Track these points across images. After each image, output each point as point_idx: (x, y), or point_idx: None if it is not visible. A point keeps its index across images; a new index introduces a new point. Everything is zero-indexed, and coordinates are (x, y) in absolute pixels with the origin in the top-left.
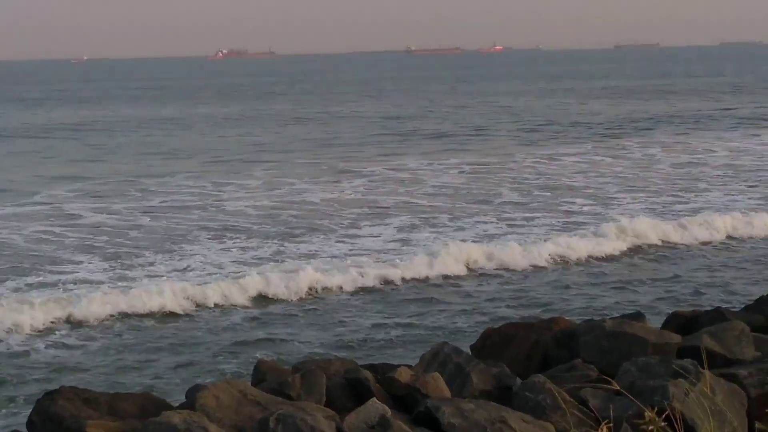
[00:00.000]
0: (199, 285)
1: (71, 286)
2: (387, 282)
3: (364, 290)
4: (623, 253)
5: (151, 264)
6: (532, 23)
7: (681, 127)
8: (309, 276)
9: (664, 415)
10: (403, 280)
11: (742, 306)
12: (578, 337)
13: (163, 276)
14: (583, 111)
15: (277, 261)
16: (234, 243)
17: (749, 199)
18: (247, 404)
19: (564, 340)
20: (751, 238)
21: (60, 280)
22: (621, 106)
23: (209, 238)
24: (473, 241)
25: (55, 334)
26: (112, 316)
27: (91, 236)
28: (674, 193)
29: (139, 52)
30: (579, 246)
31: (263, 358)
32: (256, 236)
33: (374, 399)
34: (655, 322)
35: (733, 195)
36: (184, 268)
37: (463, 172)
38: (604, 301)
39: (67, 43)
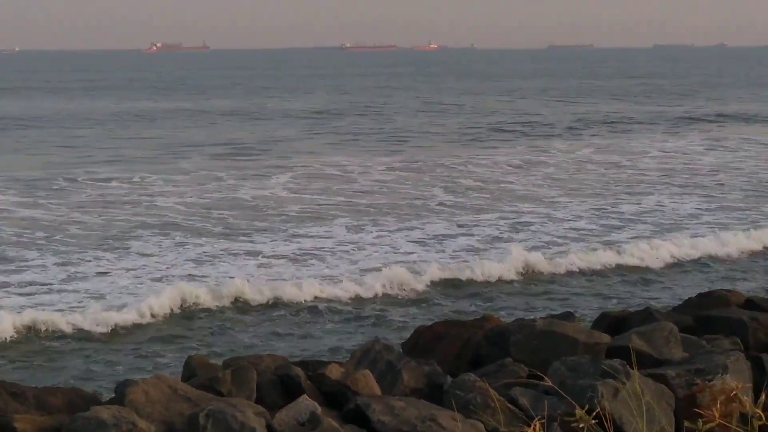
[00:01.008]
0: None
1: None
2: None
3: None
4: None
5: (106, 262)
6: (467, 22)
7: (615, 128)
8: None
9: (593, 414)
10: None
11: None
12: (509, 336)
13: (123, 275)
14: (516, 110)
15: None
16: (184, 240)
17: (686, 203)
18: (177, 400)
19: (495, 338)
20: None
21: (14, 281)
22: (554, 106)
23: (153, 235)
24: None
25: None
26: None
27: (28, 231)
28: (616, 196)
29: (73, 44)
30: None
31: (194, 354)
32: (204, 234)
33: (305, 396)
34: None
35: (674, 198)
36: (140, 268)
37: (394, 170)
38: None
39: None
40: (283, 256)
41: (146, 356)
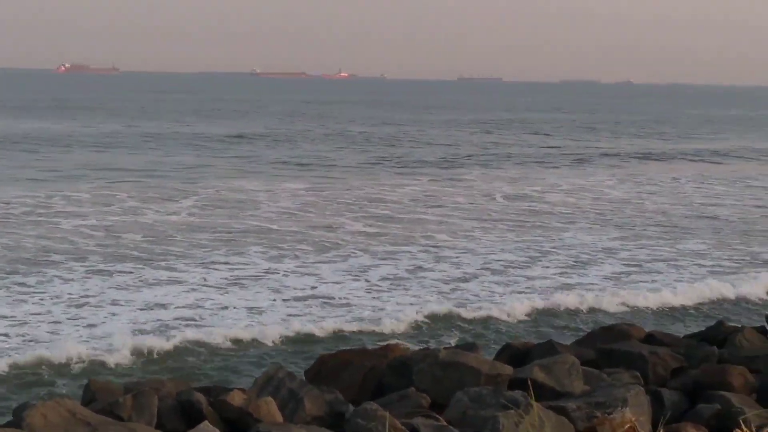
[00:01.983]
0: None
1: None
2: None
3: None
4: None
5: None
6: (376, 52)
7: (524, 161)
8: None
9: None
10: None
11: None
12: (412, 365)
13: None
14: (422, 140)
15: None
16: (103, 267)
17: (603, 236)
18: (76, 424)
19: (399, 367)
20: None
21: None
22: (461, 137)
23: (65, 261)
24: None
25: None
26: None
27: None
28: (533, 230)
29: None
30: None
31: (94, 378)
32: (115, 259)
33: (206, 422)
34: None
35: (589, 231)
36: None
37: (299, 197)
38: None
39: None
40: (212, 286)
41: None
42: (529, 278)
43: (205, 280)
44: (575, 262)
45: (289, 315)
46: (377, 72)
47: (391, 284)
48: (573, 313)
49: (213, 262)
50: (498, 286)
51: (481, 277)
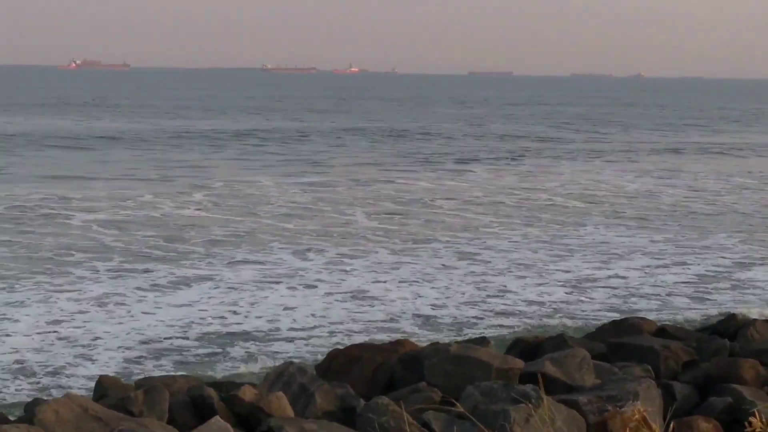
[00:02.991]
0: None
1: None
2: None
3: None
4: None
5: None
6: (388, 46)
7: (540, 155)
8: None
9: None
10: None
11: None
12: (423, 360)
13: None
14: (435, 134)
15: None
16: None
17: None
18: (88, 420)
19: (409, 362)
20: None
21: None
22: (473, 131)
23: (90, 260)
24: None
25: None
26: None
27: None
28: (555, 224)
29: None
30: None
31: (105, 374)
32: (147, 259)
33: (217, 417)
34: None
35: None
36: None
37: (311, 192)
38: None
39: None
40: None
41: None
42: (550, 272)
43: (236, 277)
44: (603, 255)
45: (325, 310)
46: (388, 67)
47: (416, 280)
48: (595, 306)
49: (239, 260)
50: (519, 281)
51: (506, 272)
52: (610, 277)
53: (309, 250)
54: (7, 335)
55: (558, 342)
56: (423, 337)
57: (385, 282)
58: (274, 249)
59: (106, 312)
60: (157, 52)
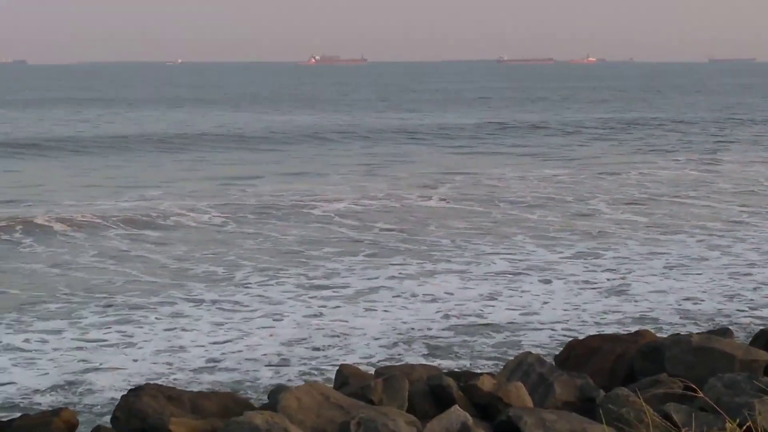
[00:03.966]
0: None
1: None
2: None
3: None
4: None
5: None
6: (625, 35)
7: None
8: None
9: (744, 428)
10: None
11: None
12: (664, 351)
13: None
14: (677, 121)
15: None
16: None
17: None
18: (328, 407)
19: (649, 353)
20: None
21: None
22: (722, 118)
23: (338, 254)
24: None
25: None
26: None
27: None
28: None
29: (233, 57)
30: None
31: (346, 363)
32: (386, 252)
33: (456, 406)
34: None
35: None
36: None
37: (553, 182)
38: None
39: (164, 46)
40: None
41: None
42: None
43: (483, 270)
44: None
45: (576, 301)
46: (626, 56)
47: (664, 272)
48: None
49: (488, 252)
50: None
51: (760, 265)
52: None
53: (555, 241)
54: (270, 326)
55: None
56: (668, 329)
57: (629, 273)
58: (519, 241)
59: (358, 304)
60: (393, 46)
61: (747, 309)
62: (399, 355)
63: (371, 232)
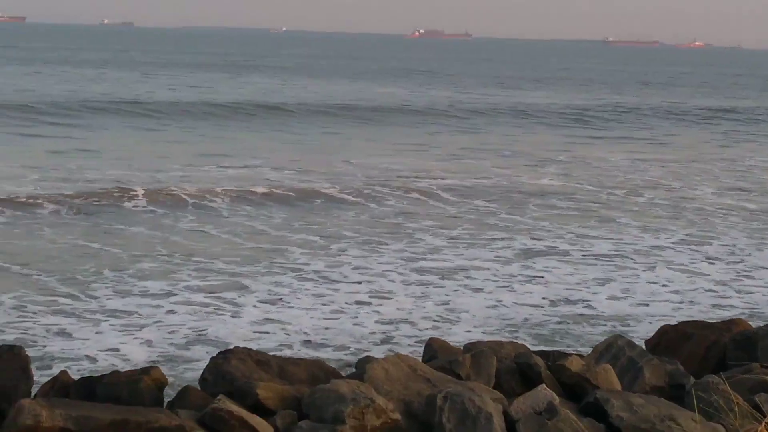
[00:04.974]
0: None
1: None
2: None
3: None
4: None
5: None
6: (733, 21)
7: None
8: None
9: None
10: None
11: None
12: (757, 340)
13: None
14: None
15: None
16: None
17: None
18: (416, 380)
19: (742, 342)
20: None
21: None
22: None
23: (437, 228)
24: None
25: None
26: None
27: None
28: None
29: (336, 26)
30: None
31: (435, 337)
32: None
33: (543, 385)
34: None
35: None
36: None
37: (659, 166)
38: None
39: (268, 13)
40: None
41: None
42: None
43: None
44: None
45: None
46: (734, 41)
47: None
48: None
49: (593, 236)
50: None
51: None
52: None
53: (658, 227)
54: (366, 301)
55: None
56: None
57: (740, 263)
58: (623, 225)
59: (465, 282)
60: (497, 22)
61: None
62: (491, 334)
63: (473, 209)
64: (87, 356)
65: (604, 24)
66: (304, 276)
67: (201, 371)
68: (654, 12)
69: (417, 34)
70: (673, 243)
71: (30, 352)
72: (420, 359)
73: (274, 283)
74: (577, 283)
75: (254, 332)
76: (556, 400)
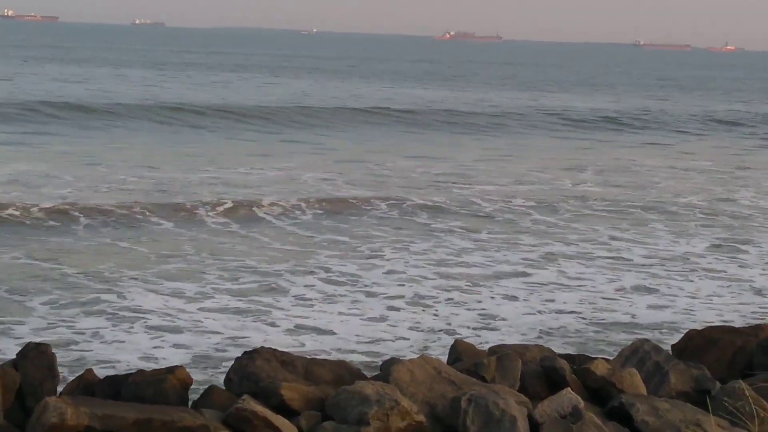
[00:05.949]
0: None
1: None
2: None
3: None
4: None
5: None
6: (766, 24)
7: None
8: None
9: None
10: None
11: None
12: None
13: None
14: None
15: None
16: None
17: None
18: (440, 382)
19: None
20: None
21: None
22: None
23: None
24: None
25: None
26: None
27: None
28: None
29: (366, 28)
30: None
31: (460, 339)
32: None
33: (568, 389)
34: None
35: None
36: None
37: (703, 173)
38: None
39: (299, 14)
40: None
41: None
42: None
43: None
44: None
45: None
46: (766, 46)
47: None
48: None
49: (626, 239)
50: None
51: None
52: None
53: (696, 233)
54: (398, 307)
55: None
56: None
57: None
58: (658, 229)
59: (491, 288)
60: (527, 24)
61: None
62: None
63: (509, 211)
64: (119, 360)
65: (635, 27)
66: (334, 279)
67: (223, 370)
68: (685, 15)
69: (448, 36)
70: (711, 249)
71: (63, 354)
72: (445, 361)
73: (307, 287)
74: (616, 290)
75: (286, 336)
76: (581, 403)
